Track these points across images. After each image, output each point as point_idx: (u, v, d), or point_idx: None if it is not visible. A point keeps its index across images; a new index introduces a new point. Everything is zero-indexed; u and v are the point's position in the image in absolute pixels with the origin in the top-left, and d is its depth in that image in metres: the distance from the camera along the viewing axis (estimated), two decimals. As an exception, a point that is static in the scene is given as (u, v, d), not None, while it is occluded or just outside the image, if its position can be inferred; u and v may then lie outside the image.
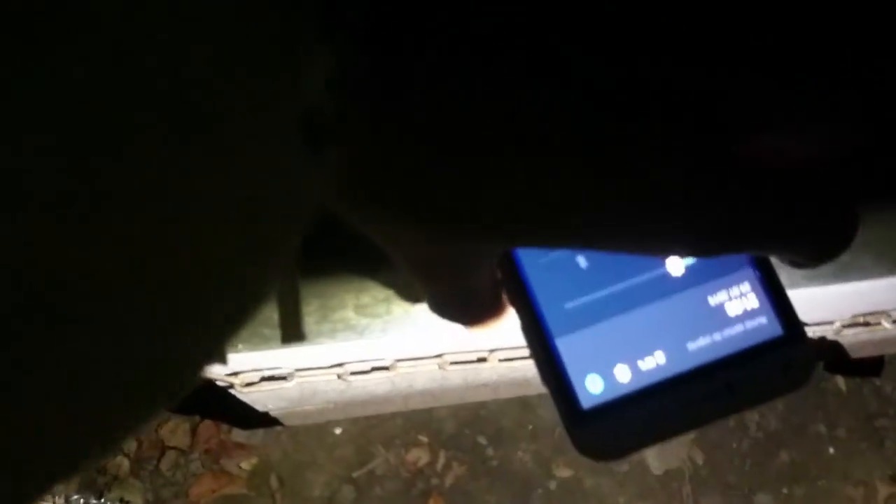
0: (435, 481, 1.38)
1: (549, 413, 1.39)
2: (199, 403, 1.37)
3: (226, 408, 1.37)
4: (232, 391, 0.82)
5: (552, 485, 1.37)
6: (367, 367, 0.81)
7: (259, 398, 0.90)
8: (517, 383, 1.02)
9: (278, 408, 0.99)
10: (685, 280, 0.38)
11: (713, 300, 0.36)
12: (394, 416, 1.39)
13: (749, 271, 0.38)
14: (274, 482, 1.37)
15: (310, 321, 0.53)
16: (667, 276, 0.37)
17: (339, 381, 0.84)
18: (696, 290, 0.37)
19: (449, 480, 1.38)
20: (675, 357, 0.35)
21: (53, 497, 1.04)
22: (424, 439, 1.39)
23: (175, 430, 1.37)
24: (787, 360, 0.36)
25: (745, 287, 0.37)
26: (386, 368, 0.82)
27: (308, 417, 1.09)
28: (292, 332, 0.50)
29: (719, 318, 0.36)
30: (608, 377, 0.35)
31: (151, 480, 1.33)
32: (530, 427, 1.39)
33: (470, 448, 1.39)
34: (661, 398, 0.36)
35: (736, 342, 0.35)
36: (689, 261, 0.37)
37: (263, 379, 0.78)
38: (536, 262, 0.38)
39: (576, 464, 1.37)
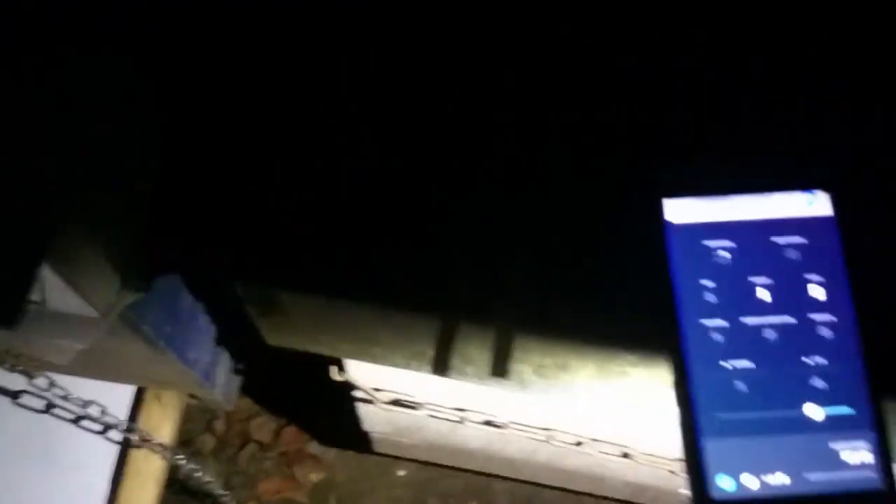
0: (476, 546, 1.45)
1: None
2: (290, 407, 1.49)
3: (312, 419, 1.49)
4: (363, 404, 0.94)
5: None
6: (482, 419, 0.92)
7: (375, 418, 1.01)
8: (594, 478, 1.10)
9: (381, 432, 1.09)
10: (819, 424, 0.48)
11: (835, 446, 0.47)
12: (454, 475, 1.48)
13: (869, 433, 0.48)
14: (332, 501, 1.47)
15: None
16: (805, 417, 0.48)
17: (450, 423, 0.95)
18: (824, 434, 0.48)
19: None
20: (795, 481, 0.46)
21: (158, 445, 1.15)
22: (476, 505, 1.48)
23: (263, 426, 1.49)
24: None
25: (863, 444, 0.47)
26: (497, 426, 0.93)
27: (395, 448, 1.19)
28: (498, 370, 0.61)
29: (837, 461, 0.46)
30: (738, 480, 0.46)
31: (227, 465, 1.45)
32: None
33: (515, 527, 1.47)
34: None
35: (845, 484, 0.46)
36: (833, 409, 0.48)
37: (396, 402, 0.89)
38: (704, 375, 0.49)
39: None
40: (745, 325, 0.48)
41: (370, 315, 0.60)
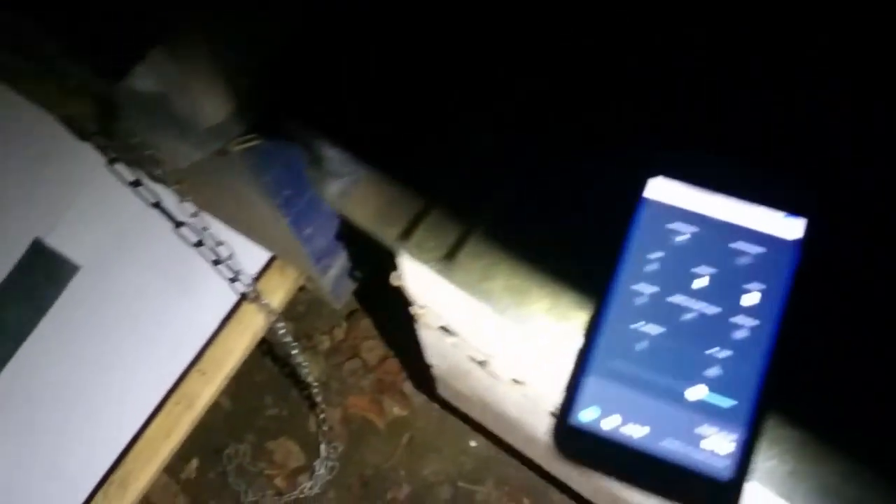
0: (510, 539, 1.50)
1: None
2: (400, 343, 1.62)
3: (414, 361, 1.60)
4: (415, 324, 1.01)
5: None
6: (508, 376, 0.96)
7: (432, 344, 1.07)
8: None
9: (437, 366, 1.16)
10: (698, 404, 0.51)
11: (702, 429, 0.50)
12: (519, 467, 1.53)
13: (741, 429, 0.49)
14: (404, 440, 1.58)
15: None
16: (687, 392, 0.51)
17: (485, 372, 1.00)
18: (699, 415, 0.51)
19: (520, 548, 1.49)
20: (651, 440, 0.50)
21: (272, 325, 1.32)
22: (526, 502, 1.52)
23: (373, 349, 1.63)
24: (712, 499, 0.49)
25: (730, 436, 0.49)
26: (521, 383, 0.96)
27: (452, 395, 1.24)
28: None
29: (697, 441, 0.49)
30: (600, 418, 0.51)
31: (332, 369, 1.60)
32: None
33: (554, 540, 1.49)
34: (619, 454, 0.51)
35: (695, 463, 0.49)
36: (715, 397, 0.51)
37: (441, 328, 0.96)
38: (615, 325, 0.53)
39: None
40: (670, 302, 0.53)
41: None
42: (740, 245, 0.53)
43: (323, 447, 1.56)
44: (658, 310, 0.52)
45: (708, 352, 0.51)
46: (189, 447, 1.53)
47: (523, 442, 1.19)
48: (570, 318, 0.58)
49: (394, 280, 0.92)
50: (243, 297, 1.24)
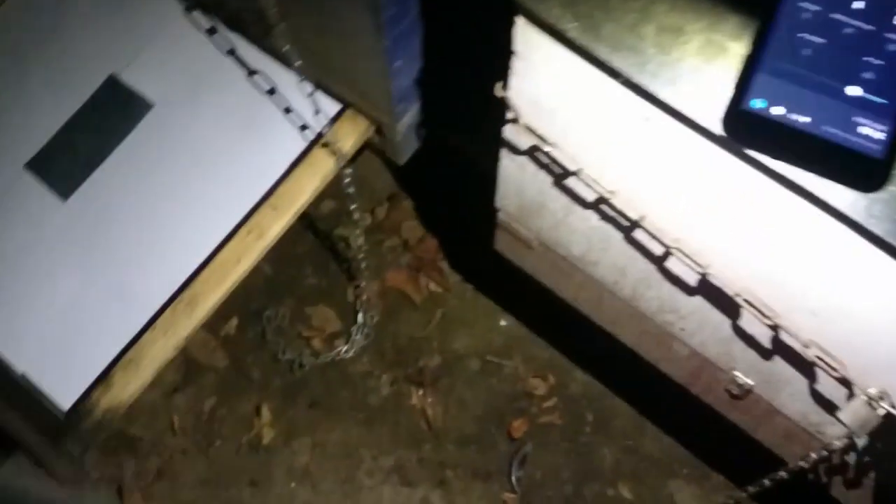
0: (533, 410, 1.58)
1: (656, 447, 1.53)
2: (439, 224, 1.68)
3: (453, 244, 1.68)
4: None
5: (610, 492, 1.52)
6: (593, 195, 1.02)
7: (511, 176, 1.13)
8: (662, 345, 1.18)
9: (506, 207, 1.21)
10: (855, 99, 0.58)
11: (858, 118, 0.57)
12: (544, 346, 1.61)
13: (891, 122, 0.57)
14: (438, 315, 1.65)
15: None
16: (847, 90, 0.58)
17: (564, 199, 1.06)
18: (856, 109, 0.58)
19: (542, 420, 1.57)
20: (813, 124, 0.57)
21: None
22: (552, 380, 1.60)
23: (413, 229, 1.70)
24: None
25: (882, 127, 0.57)
26: (605, 201, 1.02)
27: (510, 245, 1.29)
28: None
29: (854, 127, 0.57)
30: (769, 105, 0.58)
31: (371, 244, 1.65)
32: (631, 442, 1.54)
33: (574, 416, 1.57)
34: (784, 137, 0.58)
35: (851, 143, 0.57)
36: (870, 96, 0.58)
37: (537, 141, 1.01)
38: (783, 35, 0.60)
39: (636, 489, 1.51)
40: (831, 18, 0.60)
41: None
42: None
43: (360, 315, 1.63)
44: (820, 24, 0.60)
45: (864, 59, 0.59)
46: (230, 307, 1.59)
47: (577, 287, 1.26)
48: (727, 51, 0.65)
49: (497, 91, 0.99)
50: (314, 142, 1.30)
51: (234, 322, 1.64)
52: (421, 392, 1.59)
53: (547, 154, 0.99)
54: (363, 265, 1.53)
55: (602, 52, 0.75)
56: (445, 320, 1.65)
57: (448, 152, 1.45)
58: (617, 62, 0.75)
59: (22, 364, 1.22)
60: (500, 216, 1.25)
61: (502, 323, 1.65)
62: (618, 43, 0.73)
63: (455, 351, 1.63)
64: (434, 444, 1.56)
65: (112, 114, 1.35)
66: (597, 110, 0.88)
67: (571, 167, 0.98)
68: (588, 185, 0.98)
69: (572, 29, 0.77)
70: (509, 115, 1.00)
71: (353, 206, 1.41)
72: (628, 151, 0.91)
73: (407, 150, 1.37)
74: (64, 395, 1.19)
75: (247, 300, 1.64)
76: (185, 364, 1.60)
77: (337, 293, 1.66)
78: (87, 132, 1.34)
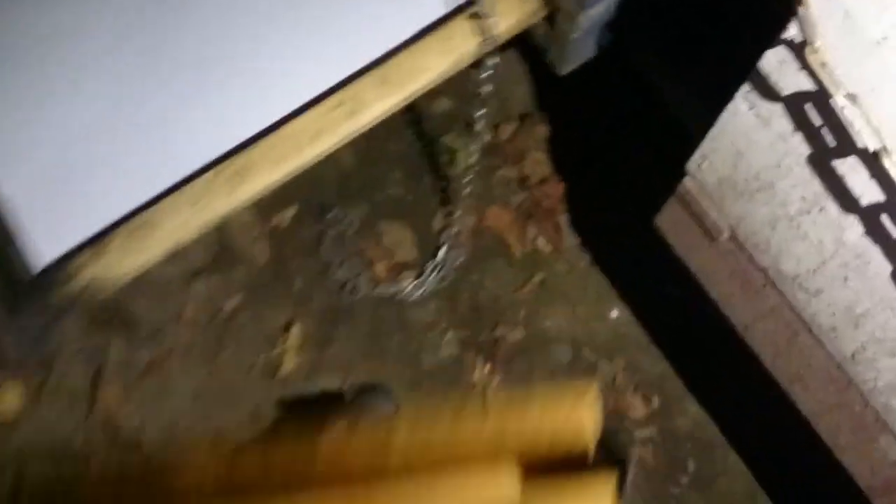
0: (622, 437, 1.24)
1: None
2: (579, 167, 1.33)
3: (586, 192, 1.32)
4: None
5: None
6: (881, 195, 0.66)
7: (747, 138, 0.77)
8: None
9: (707, 176, 0.85)
10: None
11: None
12: (657, 360, 1.28)
13: None
14: (536, 279, 1.32)
15: None
16: None
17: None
18: None
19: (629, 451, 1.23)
20: None
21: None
22: (656, 403, 1.25)
23: (538, 164, 1.37)
24: None
25: None
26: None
27: (671, 224, 0.95)
28: None
29: None
30: None
31: (482, 168, 1.29)
32: None
33: (672, 458, 1.23)
34: None
35: None
36: None
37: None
38: None
39: None
40: None
41: None
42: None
43: (442, 251, 1.30)
44: None
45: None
46: (289, 193, 1.28)
47: (761, 313, 0.91)
48: None
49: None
50: (460, 9, 0.95)
51: (289, 213, 1.32)
52: (488, 368, 1.28)
53: (835, 111, 0.63)
54: (466, 191, 1.23)
55: None
56: (543, 288, 1.32)
57: (632, 77, 1.08)
58: None
59: (4, 188, 0.91)
60: (687, 184, 0.90)
61: (613, 314, 1.31)
62: None
63: (544, 330, 1.31)
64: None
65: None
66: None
67: (871, 142, 0.62)
68: (888, 174, 0.61)
69: None
70: (797, 36, 0.64)
71: (478, 113, 1.07)
72: None
73: (575, 57, 1.03)
74: (41, 249, 0.89)
75: (312, 191, 1.32)
76: (219, 246, 1.29)
77: (422, 214, 1.34)
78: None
